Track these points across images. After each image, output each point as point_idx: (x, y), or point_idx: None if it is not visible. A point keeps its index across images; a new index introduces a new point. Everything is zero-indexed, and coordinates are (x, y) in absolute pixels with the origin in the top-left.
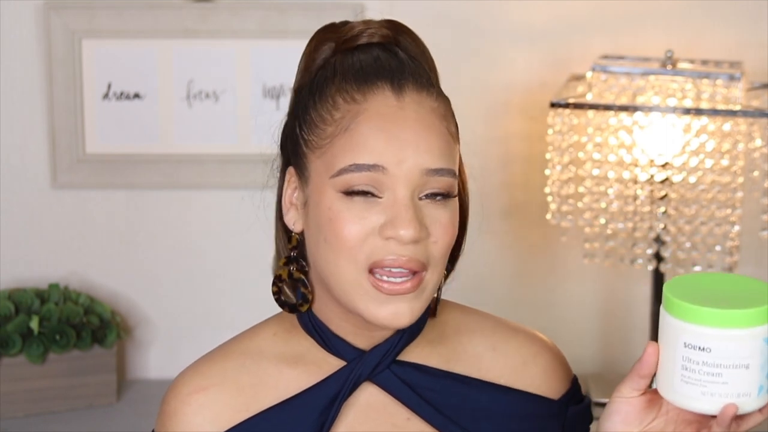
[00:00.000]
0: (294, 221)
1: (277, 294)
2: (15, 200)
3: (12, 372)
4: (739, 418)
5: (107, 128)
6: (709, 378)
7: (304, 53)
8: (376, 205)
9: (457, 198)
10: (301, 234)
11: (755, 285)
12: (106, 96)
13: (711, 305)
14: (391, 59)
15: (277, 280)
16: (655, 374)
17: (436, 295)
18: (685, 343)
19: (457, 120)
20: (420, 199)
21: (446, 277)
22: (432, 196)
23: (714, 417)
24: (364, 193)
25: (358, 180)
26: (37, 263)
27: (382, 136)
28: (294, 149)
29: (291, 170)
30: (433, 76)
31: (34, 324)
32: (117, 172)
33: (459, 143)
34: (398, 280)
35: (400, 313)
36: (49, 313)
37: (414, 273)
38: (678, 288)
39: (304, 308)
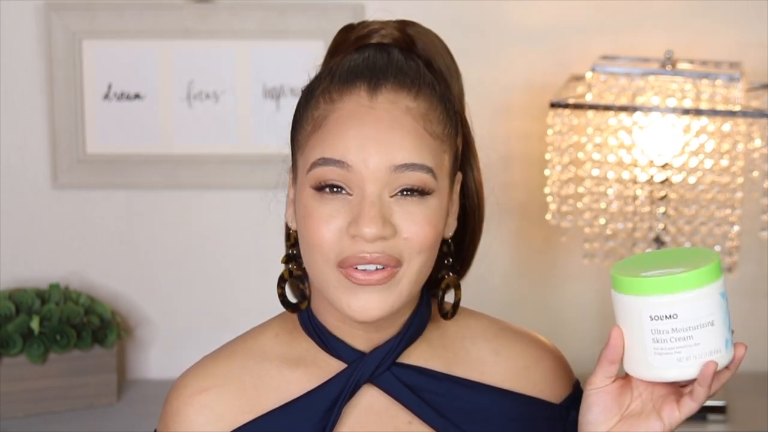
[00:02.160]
0: (291, 219)
1: (282, 295)
2: (15, 200)
3: (12, 372)
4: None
5: (107, 128)
6: (682, 343)
7: (325, 55)
8: (346, 201)
9: (436, 196)
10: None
11: (691, 251)
12: (106, 96)
13: (668, 275)
14: (379, 59)
15: (281, 281)
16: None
17: (455, 299)
18: (651, 317)
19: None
20: (392, 196)
21: (459, 279)
22: (406, 194)
23: (683, 384)
24: (335, 189)
25: (327, 174)
26: (38, 263)
27: (349, 133)
28: (291, 149)
29: (289, 168)
30: (435, 78)
31: (34, 324)
32: (117, 172)
33: (456, 145)
34: (369, 267)
35: (369, 305)
36: (49, 313)
37: (385, 266)
38: (625, 270)
39: (304, 306)
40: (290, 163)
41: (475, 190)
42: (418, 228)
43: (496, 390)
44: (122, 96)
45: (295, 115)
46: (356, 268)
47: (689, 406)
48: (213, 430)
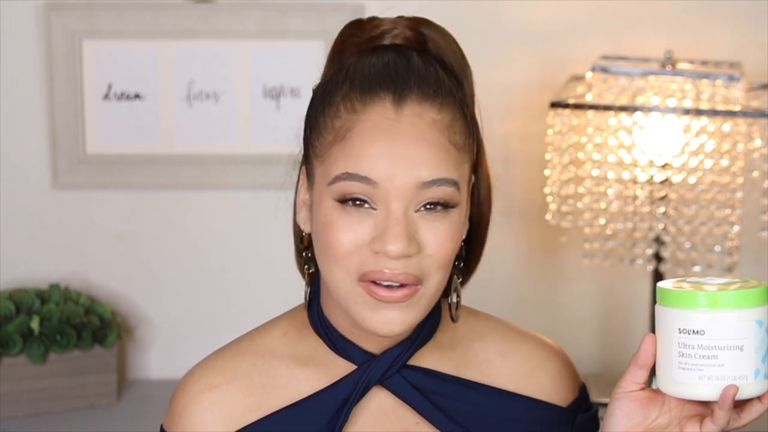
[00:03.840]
0: (304, 222)
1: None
2: (15, 201)
3: (12, 372)
4: (740, 406)
5: (108, 129)
6: (705, 361)
7: (330, 51)
8: (370, 217)
9: (459, 208)
10: (311, 235)
11: (755, 282)
12: (106, 96)
13: (704, 291)
14: (400, 65)
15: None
16: (654, 372)
17: (456, 301)
18: (679, 329)
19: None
20: (417, 211)
21: (463, 283)
22: (430, 207)
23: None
24: (359, 203)
25: (351, 189)
26: (38, 263)
27: (374, 149)
28: (305, 151)
29: (303, 170)
30: (452, 83)
31: (34, 324)
32: (117, 172)
33: (473, 152)
34: (392, 284)
35: (391, 320)
36: (49, 313)
37: (407, 285)
38: (675, 283)
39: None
40: (299, 163)
41: (486, 191)
42: (440, 245)
43: (504, 393)
44: (122, 96)
45: (310, 118)
46: (378, 284)
47: (710, 428)
48: (220, 429)
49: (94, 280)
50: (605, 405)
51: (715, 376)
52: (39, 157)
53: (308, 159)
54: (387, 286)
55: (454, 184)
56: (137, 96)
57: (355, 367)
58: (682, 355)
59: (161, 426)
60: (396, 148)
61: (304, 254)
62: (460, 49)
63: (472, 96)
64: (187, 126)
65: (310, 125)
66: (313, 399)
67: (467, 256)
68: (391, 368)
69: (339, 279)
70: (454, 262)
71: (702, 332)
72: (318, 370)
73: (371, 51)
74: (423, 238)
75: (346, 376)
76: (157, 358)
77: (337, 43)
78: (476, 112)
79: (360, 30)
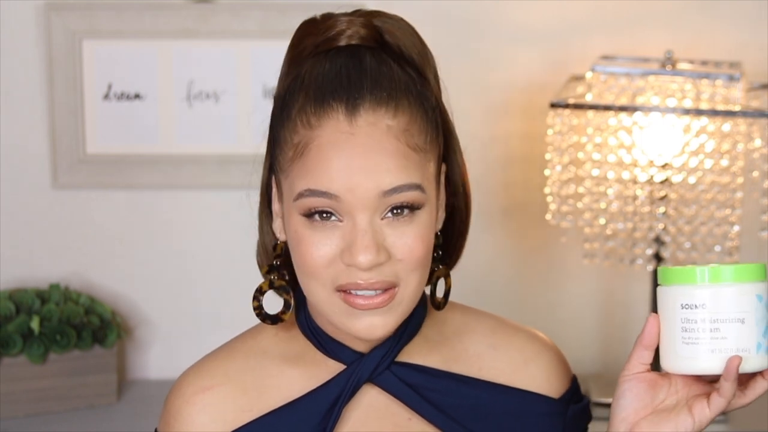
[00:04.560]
0: (279, 230)
1: (258, 308)
2: (15, 201)
3: (12, 372)
4: (743, 383)
5: (108, 129)
6: (708, 335)
7: (287, 50)
8: (338, 229)
9: (426, 208)
10: (285, 243)
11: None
12: (106, 96)
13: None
14: (353, 71)
15: (258, 293)
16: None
17: (434, 290)
18: (682, 305)
19: (451, 119)
20: (383, 218)
21: (449, 269)
22: (396, 212)
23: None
24: (325, 215)
25: (315, 203)
26: (38, 263)
27: (332, 164)
28: (273, 163)
29: (274, 180)
30: (409, 79)
31: (34, 324)
32: (117, 172)
33: (440, 144)
34: (370, 293)
35: (374, 325)
36: (49, 313)
37: (385, 290)
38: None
39: (286, 316)
40: (265, 169)
41: (460, 177)
42: (411, 248)
43: (495, 386)
44: (122, 96)
45: (272, 130)
46: (355, 294)
47: (717, 402)
48: (214, 429)
49: (94, 280)
50: (605, 405)
51: (719, 348)
52: (39, 157)
53: (275, 171)
54: (362, 295)
55: (417, 187)
56: (137, 96)
57: (344, 366)
58: (686, 330)
59: (156, 429)
60: (353, 160)
61: (273, 263)
62: (419, 37)
63: (437, 82)
64: (186, 126)
65: (273, 139)
66: (304, 399)
67: (451, 243)
68: (380, 365)
69: (315, 291)
70: (433, 254)
71: (704, 306)
72: (308, 370)
73: (325, 54)
74: (391, 245)
75: (336, 376)
76: (157, 359)
77: (294, 42)
78: (445, 99)
79: (315, 29)
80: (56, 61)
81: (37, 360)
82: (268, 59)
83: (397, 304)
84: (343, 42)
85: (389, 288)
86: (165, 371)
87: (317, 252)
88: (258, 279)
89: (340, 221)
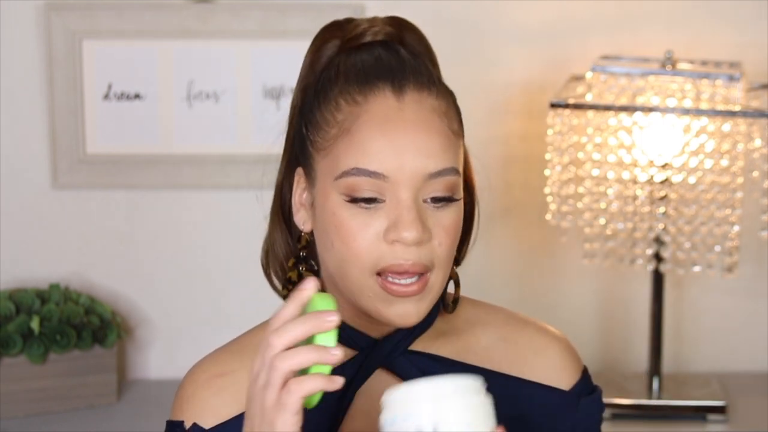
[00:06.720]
0: (303, 221)
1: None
2: (15, 201)
3: (12, 372)
4: None
5: (108, 129)
6: None
7: (309, 51)
8: (379, 209)
9: (459, 202)
10: (311, 234)
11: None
12: (106, 96)
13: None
14: (392, 58)
15: (288, 283)
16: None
17: (454, 293)
18: None
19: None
20: (424, 201)
21: (457, 280)
22: (435, 200)
23: None
24: (369, 201)
25: (361, 185)
26: (38, 263)
27: (382, 139)
28: (301, 149)
29: (300, 171)
30: (436, 73)
31: (34, 324)
32: (117, 172)
33: (463, 138)
34: (406, 281)
35: (408, 313)
36: (49, 313)
37: (420, 275)
38: None
39: None
40: (282, 165)
41: (469, 181)
42: (447, 234)
43: (507, 377)
44: (122, 96)
45: (304, 115)
46: (392, 281)
47: None
48: (230, 412)
49: (94, 280)
50: (605, 405)
51: None
52: (39, 157)
53: (306, 157)
54: (398, 283)
55: (457, 171)
56: (137, 96)
57: (356, 352)
58: None
59: (167, 422)
60: (402, 137)
61: (300, 254)
62: (431, 47)
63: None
64: (186, 126)
65: (305, 122)
66: None
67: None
68: (394, 353)
69: (352, 275)
70: None
71: None
72: None
73: (357, 49)
74: (431, 228)
75: (349, 361)
76: (157, 358)
77: (317, 44)
78: None
79: (340, 30)
80: (56, 61)
81: (37, 360)
82: (268, 59)
83: (428, 292)
84: (369, 38)
85: (424, 273)
86: (165, 371)
87: (360, 235)
88: (259, 279)
89: (383, 201)
